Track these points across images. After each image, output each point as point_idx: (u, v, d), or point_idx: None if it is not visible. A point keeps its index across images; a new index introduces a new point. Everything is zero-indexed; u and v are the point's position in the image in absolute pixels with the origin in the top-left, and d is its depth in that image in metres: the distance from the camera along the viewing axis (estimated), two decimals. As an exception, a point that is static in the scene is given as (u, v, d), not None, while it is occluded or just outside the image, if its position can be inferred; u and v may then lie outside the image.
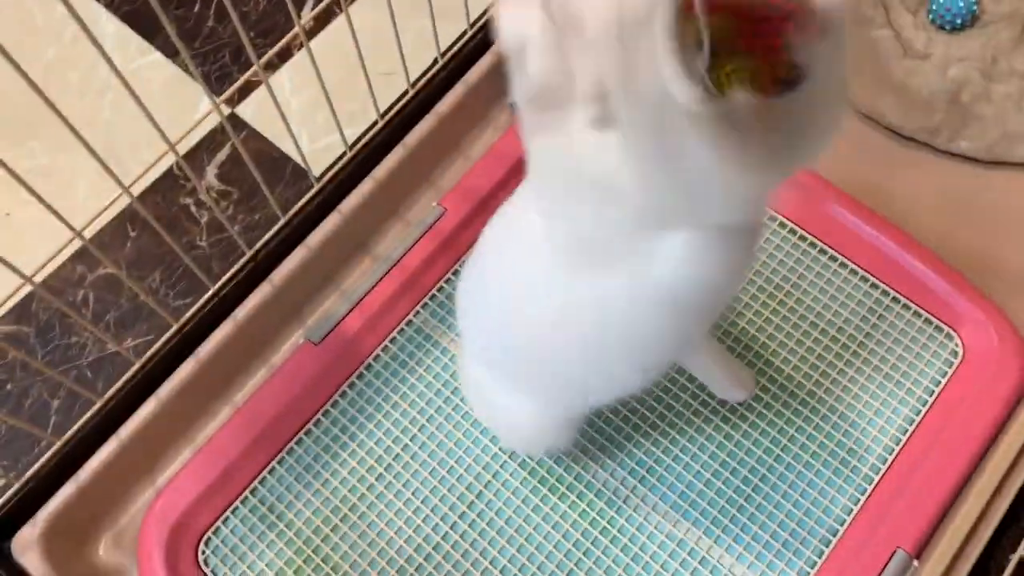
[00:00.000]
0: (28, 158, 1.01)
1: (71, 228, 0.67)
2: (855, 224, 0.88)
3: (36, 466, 0.80)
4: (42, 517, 0.80)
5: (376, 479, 0.82)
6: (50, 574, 0.77)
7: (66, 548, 0.80)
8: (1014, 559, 0.76)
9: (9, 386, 0.90)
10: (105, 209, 0.71)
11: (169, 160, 1.01)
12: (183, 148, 1.01)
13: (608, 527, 0.79)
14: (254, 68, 0.73)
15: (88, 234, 0.69)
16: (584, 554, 0.78)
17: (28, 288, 0.68)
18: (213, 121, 1.03)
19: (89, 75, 1.06)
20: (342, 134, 0.88)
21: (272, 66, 1.06)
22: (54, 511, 0.80)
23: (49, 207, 0.64)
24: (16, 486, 0.79)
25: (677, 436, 0.82)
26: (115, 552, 0.81)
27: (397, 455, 0.83)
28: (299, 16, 0.83)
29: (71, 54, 1.07)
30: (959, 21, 0.95)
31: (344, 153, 0.91)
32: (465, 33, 0.96)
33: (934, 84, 0.93)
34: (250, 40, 1.08)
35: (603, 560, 0.78)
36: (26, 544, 0.78)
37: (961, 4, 0.95)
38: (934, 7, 0.97)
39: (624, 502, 0.80)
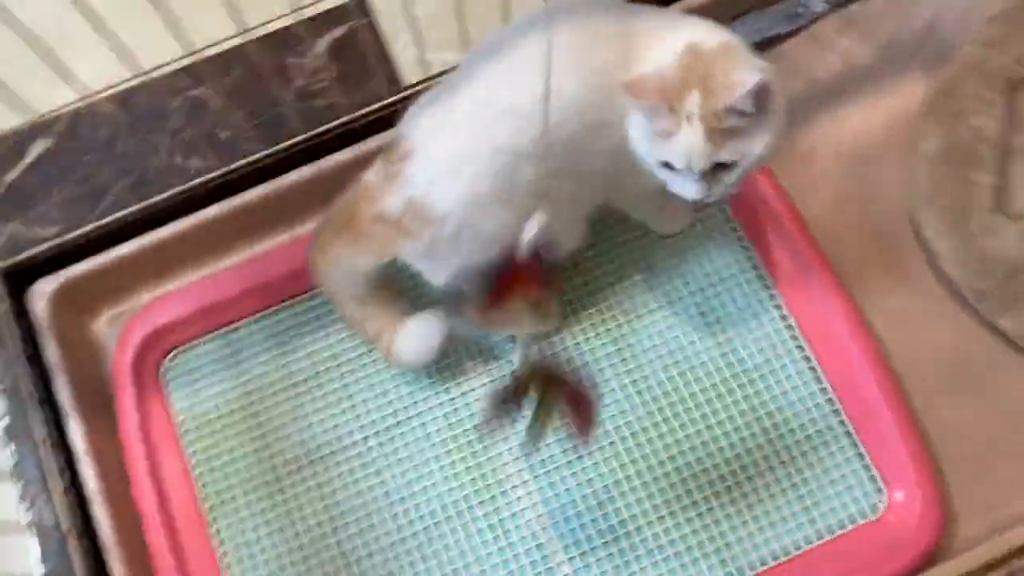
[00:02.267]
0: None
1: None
2: (852, 348, 0.88)
3: (72, 234, 0.93)
4: (64, 275, 0.94)
5: (328, 377, 0.92)
6: (49, 324, 0.92)
7: (70, 311, 0.94)
8: None
9: (87, 157, 1.03)
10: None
11: (293, 17, 1.09)
12: (310, 12, 1.08)
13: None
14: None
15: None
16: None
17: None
18: (342, -2, 1.10)
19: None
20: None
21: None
22: (73, 275, 0.94)
23: None
24: (47, 244, 0.93)
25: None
26: (106, 330, 0.95)
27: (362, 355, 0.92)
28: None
29: None
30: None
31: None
32: None
33: (1009, 249, 0.89)
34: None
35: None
36: (41, 294, 0.93)
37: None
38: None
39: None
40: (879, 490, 0.85)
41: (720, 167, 0.71)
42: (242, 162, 0.95)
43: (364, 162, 0.96)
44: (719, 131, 0.69)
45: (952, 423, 0.87)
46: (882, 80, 1.01)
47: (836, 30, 1.03)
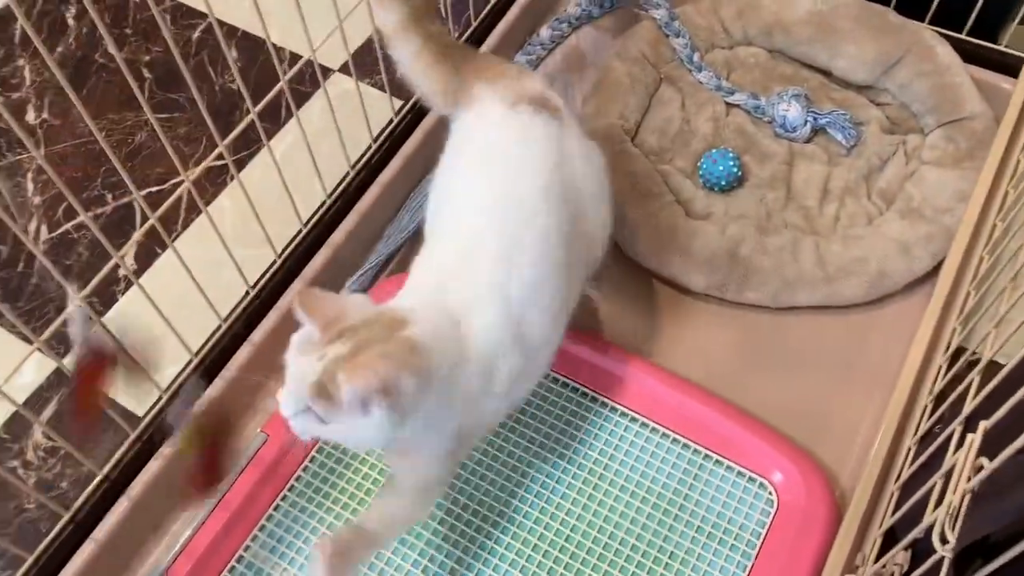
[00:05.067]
0: None
1: None
2: (657, 388, 0.92)
3: None
4: None
5: None
6: None
7: None
8: None
9: None
10: None
11: (-7, 426, 1.01)
12: (5, 411, 1.01)
13: None
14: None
15: None
16: None
17: None
18: (40, 378, 1.04)
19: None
20: (156, 385, 0.90)
21: (98, 313, 1.08)
22: None
23: None
24: None
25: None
26: None
27: None
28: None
29: None
30: (723, 183, 1.04)
31: (160, 397, 0.92)
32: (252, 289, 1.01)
33: (714, 242, 1.00)
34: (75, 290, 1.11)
35: None
36: None
37: (721, 169, 1.03)
38: (701, 172, 1.06)
39: None
40: (761, 485, 0.88)
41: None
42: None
43: (139, 510, 0.89)
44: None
45: (770, 394, 0.94)
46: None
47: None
